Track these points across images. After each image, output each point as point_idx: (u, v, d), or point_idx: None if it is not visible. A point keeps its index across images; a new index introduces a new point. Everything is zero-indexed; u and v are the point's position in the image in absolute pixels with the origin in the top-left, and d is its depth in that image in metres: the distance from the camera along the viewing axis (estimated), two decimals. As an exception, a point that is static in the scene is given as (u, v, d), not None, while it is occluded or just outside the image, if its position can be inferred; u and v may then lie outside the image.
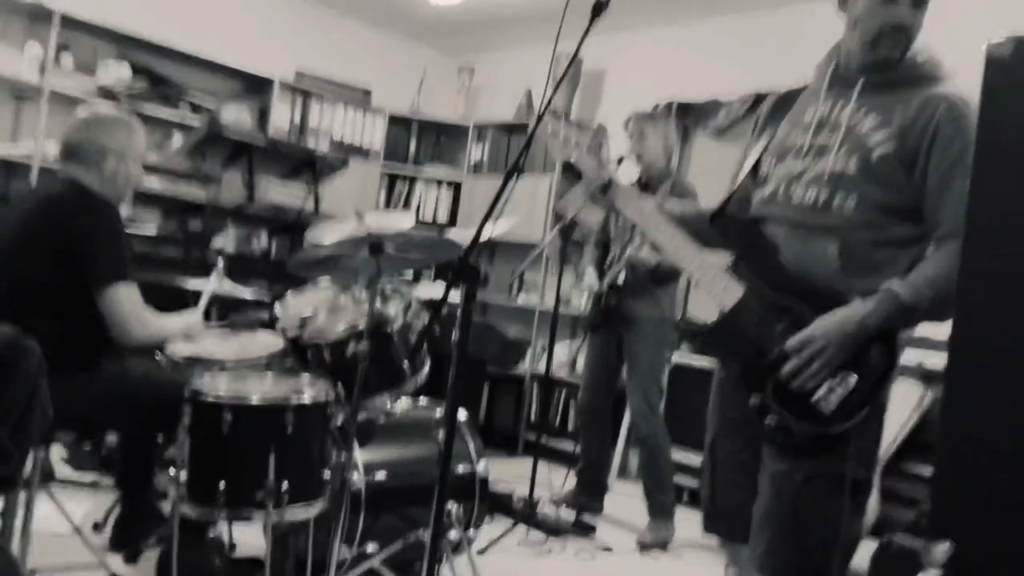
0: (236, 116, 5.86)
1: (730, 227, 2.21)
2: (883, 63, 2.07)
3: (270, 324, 3.42)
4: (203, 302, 3.30)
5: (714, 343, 2.20)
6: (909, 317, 1.95)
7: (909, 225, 2.02)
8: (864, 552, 3.04)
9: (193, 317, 3.13)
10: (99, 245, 2.76)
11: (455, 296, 1.98)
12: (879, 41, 2.05)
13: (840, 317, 1.97)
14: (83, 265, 2.75)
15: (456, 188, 6.91)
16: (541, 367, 5.81)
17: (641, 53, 6.24)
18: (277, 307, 3.32)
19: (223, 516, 2.50)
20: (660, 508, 4.21)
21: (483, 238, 1.97)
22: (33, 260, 2.75)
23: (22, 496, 2.65)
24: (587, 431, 4.55)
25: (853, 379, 1.96)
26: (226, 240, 5.59)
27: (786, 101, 2.28)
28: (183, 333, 3.05)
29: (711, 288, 2.13)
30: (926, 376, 3.85)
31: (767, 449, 2.08)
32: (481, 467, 3.20)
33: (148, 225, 5.38)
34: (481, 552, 3.65)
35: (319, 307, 3.20)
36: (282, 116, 6.25)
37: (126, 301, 2.79)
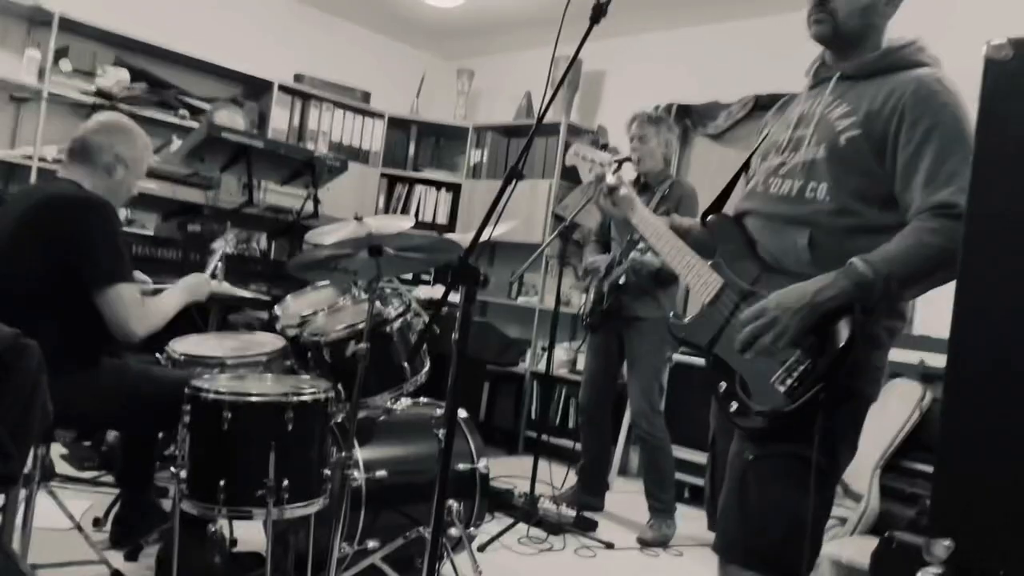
0: (228, 116, 5.86)
1: (713, 224, 2.21)
2: (849, 47, 2.07)
3: (270, 324, 3.42)
4: (211, 265, 3.35)
5: (693, 338, 2.16)
6: (868, 294, 1.84)
7: (884, 212, 1.95)
8: (865, 550, 3.05)
9: (191, 279, 3.15)
10: (97, 246, 2.77)
11: (455, 297, 1.99)
12: (809, 20, 2.06)
13: (793, 290, 1.91)
14: (82, 266, 2.75)
15: (455, 191, 6.92)
16: (541, 366, 5.82)
17: (641, 56, 6.25)
18: (276, 308, 3.33)
19: (223, 513, 2.49)
20: (661, 506, 4.22)
21: (483, 240, 1.98)
22: (31, 260, 2.75)
23: (22, 493, 2.65)
24: (587, 430, 4.56)
25: (803, 357, 1.90)
26: (225, 243, 5.59)
27: (785, 105, 2.31)
28: (187, 297, 3.06)
29: (695, 286, 2.14)
30: (926, 375, 3.85)
31: (735, 436, 2.07)
32: (481, 465, 3.21)
33: (147, 227, 5.39)
34: (482, 549, 3.66)
35: (319, 308, 3.21)
36: (281, 119, 6.26)
37: (126, 301, 2.79)
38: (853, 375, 1.91)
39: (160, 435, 3.17)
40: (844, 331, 1.87)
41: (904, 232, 1.87)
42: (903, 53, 2.04)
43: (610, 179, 2.42)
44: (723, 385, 2.04)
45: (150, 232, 5.29)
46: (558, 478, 4.52)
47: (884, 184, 1.95)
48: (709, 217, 2.23)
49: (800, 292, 1.90)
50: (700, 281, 2.13)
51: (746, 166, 2.32)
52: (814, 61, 2.19)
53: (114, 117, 3.10)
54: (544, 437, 4.76)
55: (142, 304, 2.86)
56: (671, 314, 2.23)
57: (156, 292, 3.09)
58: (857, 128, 1.97)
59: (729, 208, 2.26)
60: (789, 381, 1.90)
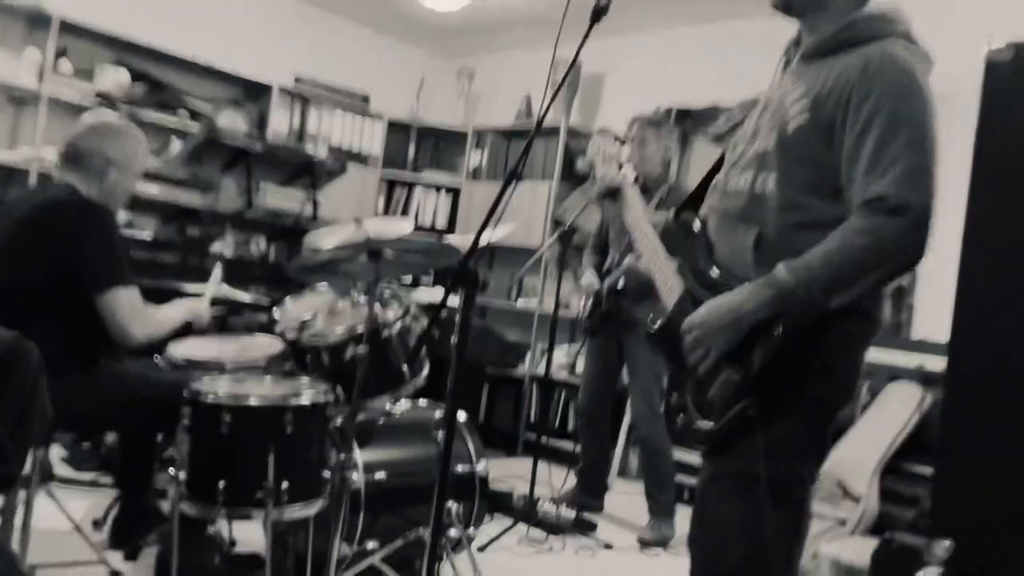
0: (234, 122, 5.87)
1: (668, 227, 2.09)
2: (813, 18, 1.90)
3: (269, 328, 3.42)
4: (216, 273, 3.36)
5: (657, 345, 2.04)
6: (790, 302, 1.70)
7: (836, 205, 1.76)
8: (864, 551, 3.05)
9: (196, 302, 3.14)
10: (96, 250, 2.77)
11: (455, 300, 1.99)
12: None
13: (716, 305, 1.79)
14: (81, 271, 2.75)
15: (455, 194, 6.92)
16: (540, 369, 5.82)
17: (640, 58, 6.25)
18: (276, 311, 3.33)
19: (223, 515, 2.49)
20: (660, 507, 4.22)
21: (482, 243, 1.98)
22: (30, 263, 2.75)
23: (22, 494, 2.65)
24: (586, 433, 4.56)
25: (733, 372, 1.79)
26: (224, 245, 5.59)
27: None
28: (186, 319, 3.06)
29: (663, 289, 2.02)
30: (926, 378, 3.86)
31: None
32: (481, 466, 3.21)
33: (146, 231, 5.38)
34: (481, 550, 3.65)
35: (318, 311, 3.21)
36: (281, 121, 6.26)
37: (125, 305, 2.79)
38: (796, 382, 1.77)
39: (159, 437, 3.16)
40: (766, 340, 1.75)
41: (834, 232, 1.71)
42: (863, 25, 1.82)
43: (617, 179, 2.40)
44: (673, 396, 1.95)
45: (149, 236, 5.29)
46: (557, 480, 4.52)
47: (835, 175, 1.77)
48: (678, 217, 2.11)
49: (722, 307, 1.78)
50: (666, 286, 2.00)
51: (723, 160, 2.15)
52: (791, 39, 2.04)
53: (102, 118, 3.08)
54: (543, 439, 4.75)
55: (143, 308, 2.86)
56: (649, 318, 2.08)
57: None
58: (806, 113, 1.80)
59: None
60: (718, 392, 1.81)
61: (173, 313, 3.03)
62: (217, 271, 3.46)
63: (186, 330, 3.29)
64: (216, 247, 5.51)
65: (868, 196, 1.67)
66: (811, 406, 1.81)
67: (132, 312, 2.80)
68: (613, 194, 2.38)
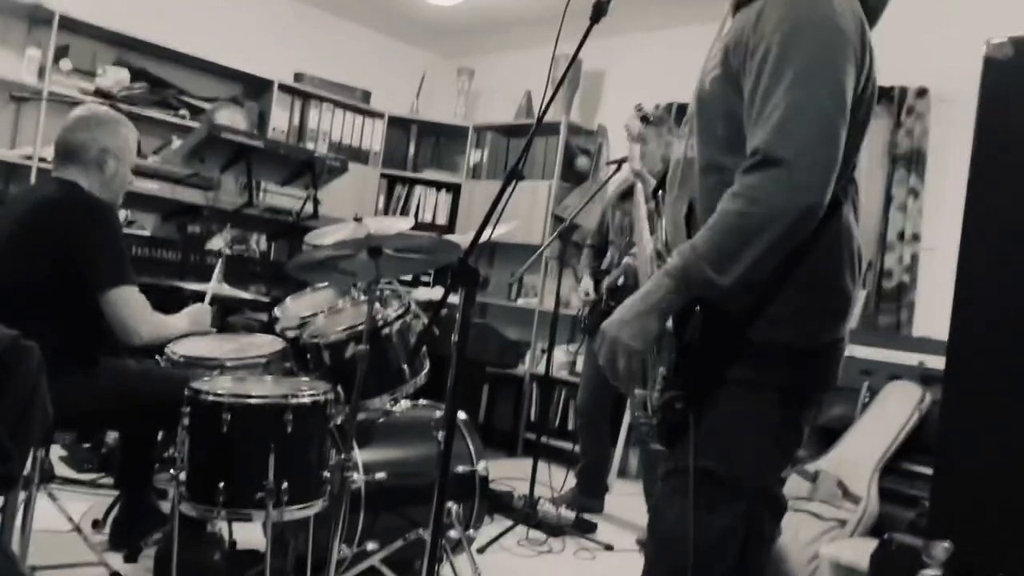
0: (228, 116, 5.85)
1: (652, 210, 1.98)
2: None
3: (269, 326, 3.42)
4: (217, 272, 3.36)
5: None
6: (693, 284, 1.55)
7: None
8: (864, 552, 3.05)
9: (197, 310, 3.13)
10: (99, 249, 2.76)
11: (455, 298, 1.98)
12: None
13: (624, 306, 1.64)
14: (83, 269, 2.74)
15: (455, 191, 6.92)
16: (540, 368, 5.82)
17: (641, 55, 6.25)
18: (276, 310, 3.32)
19: (223, 515, 2.49)
20: (660, 509, 4.21)
21: (482, 241, 1.98)
22: (30, 262, 2.75)
23: (22, 495, 2.65)
24: (586, 432, 4.56)
25: (654, 363, 1.69)
26: (224, 243, 5.58)
27: None
28: (189, 329, 3.06)
29: (643, 278, 1.89)
30: (925, 377, 3.85)
31: None
32: (481, 467, 3.21)
33: (146, 228, 5.38)
34: (481, 551, 3.66)
35: (318, 309, 3.21)
36: (281, 118, 6.26)
37: (129, 303, 2.79)
38: (718, 367, 1.64)
39: (159, 437, 3.17)
40: (688, 331, 1.63)
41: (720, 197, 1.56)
42: None
43: (631, 177, 2.35)
44: (636, 393, 1.78)
45: (147, 233, 5.28)
46: (557, 480, 4.52)
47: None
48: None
49: (628, 305, 1.63)
50: (646, 275, 1.89)
51: None
52: None
53: (89, 110, 3.05)
54: (543, 439, 4.75)
55: (146, 308, 2.85)
56: None
57: None
58: (719, 67, 1.68)
59: None
60: (655, 392, 1.71)
61: (179, 322, 3.02)
62: (218, 269, 3.46)
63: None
64: (216, 244, 5.51)
65: (747, 154, 1.53)
66: (743, 391, 1.64)
67: (137, 310, 2.80)
68: (627, 192, 2.36)
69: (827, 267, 1.64)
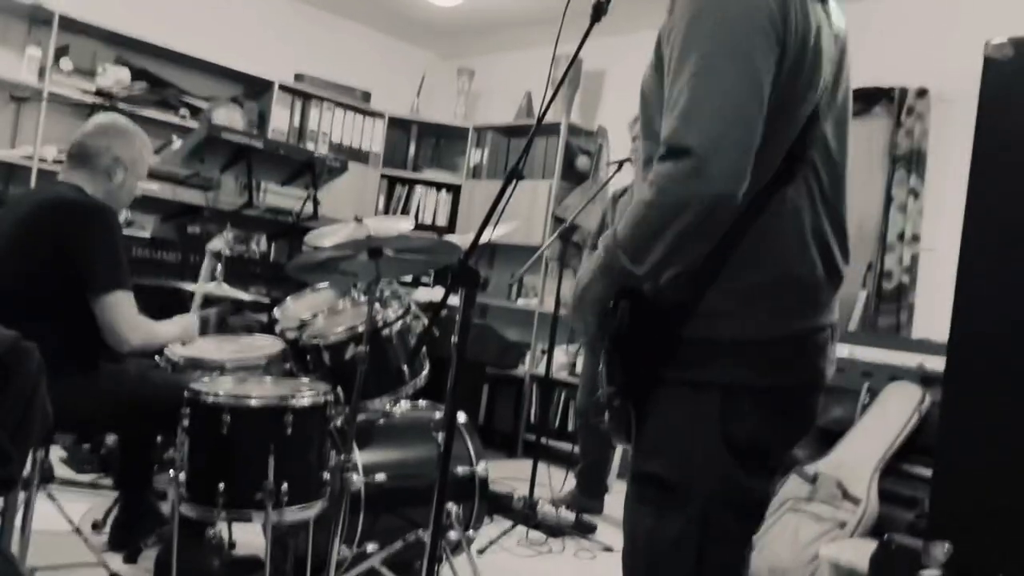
0: (226, 115, 5.86)
1: None
2: None
3: (269, 327, 3.42)
4: (196, 303, 3.28)
5: None
6: (615, 273, 1.55)
7: None
8: (864, 553, 3.05)
9: (187, 320, 3.12)
10: (97, 252, 2.76)
11: (455, 299, 1.98)
12: None
13: (575, 280, 1.63)
14: (80, 272, 2.74)
15: (455, 192, 6.91)
16: (540, 369, 5.82)
17: (641, 55, 6.18)
18: (276, 310, 3.32)
19: (222, 516, 2.49)
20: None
21: (483, 242, 1.98)
22: (31, 263, 2.75)
23: (22, 496, 2.65)
24: (585, 433, 4.56)
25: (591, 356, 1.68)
26: (224, 243, 5.58)
27: None
28: (179, 338, 3.05)
29: None
30: (925, 378, 3.85)
31: None
32: (480, 468, 3.21)
33: (146, 229, 5.38)
34: (481, 552, 3.66)
35: (318, 310, 3.21)
36: (281, 119, 6.26)
37: (122, 309, 2.78)
38: (649, 364, 1.59)
39: (159, 438, 3.16)
40: (614, 324, 1.58)
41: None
42: None
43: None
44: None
45: (147, 234, 5.28)
46: (557, 481, 4.52)
47: None
48: None
49: (575, 286, 1.63)
50: None
51: None
52: None
53: (111, 118, 3.07)
54: (543, 440, 4.75)
55: (138, 315, 2.85)
56: None
57: None
58: (653, 58, 1.64)
59: None
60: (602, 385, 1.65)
61: (166, 330, 3.00)
62: (207, 267, 3.43)
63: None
64: (216, 245, 5.51)
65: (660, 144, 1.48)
66: (684, 392, 1.57)
67: (127, 318, 2.79)
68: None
69: (772, 256, 1.56)
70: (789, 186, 1.57)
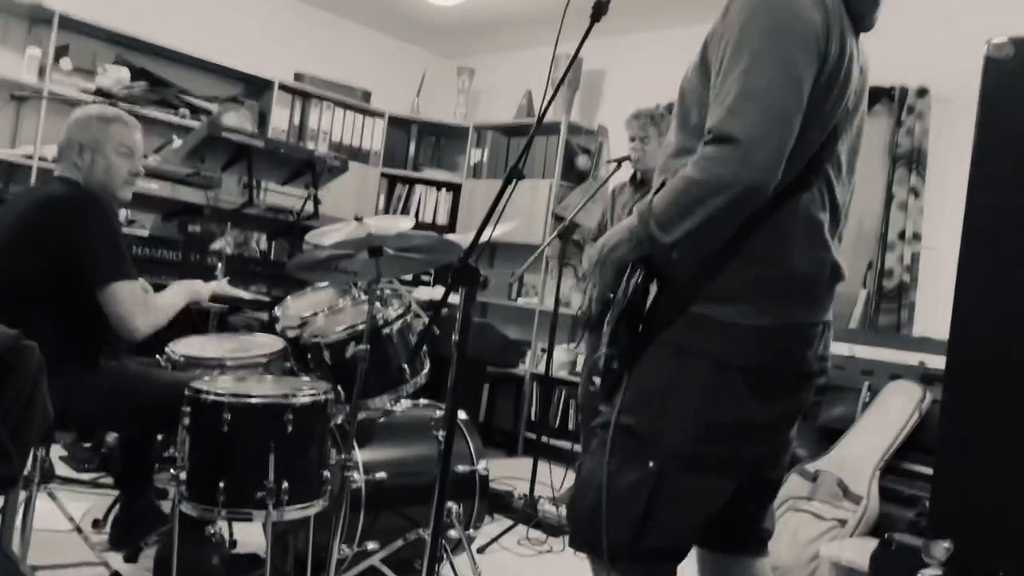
0: (235, 118, 5.86)
1: None
2: None
3: (269, 326, 3.42)
4: (219, 269, 3.32)
5: None
6: (642, 239, 1.68)
7: None
8: (864, 552, 3.05)
9: (185, 282, 3.15)
10: (97, 245, 2.76)
11: (455, 297, 1.98)
12: None
13: (597, 244, 1.78)
14: (82, 266, 2.74)
15: (456, 191, 6.92)
16: (541, 367, 5.82)
17: (641, 54, 6.24)
18: (277, 309, 3.32)
19: (223, 515, 2.49)
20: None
21: (483, 240, 1.98)
22: (30, 260, 2.75)
23: (22, 495, 2.65)
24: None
25: (597, 313, 1.79)
26: (225, 242, 5.59)
27: None
28: (185, 301, 3.06)
29: None
30: (926, 377, 3.85)
31: None
32: (481, 466, 3.21)
33: (146, 227, 5.38)
34: (481, 551, 3.66)
35: (318, 309, 3.21)
36: (282, 118, 6.26)
37: (128, 298, 2.79)
38: (648, 327, 1.73)
39: (159, 437, 3.17)
40: (629, 288, 1.72)
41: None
42: None
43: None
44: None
45: (146, 232, 5.28)
46: (558, 480, 4.52)
47: None
48: None
49: (599, 245, 1.77)
50: None
51: None
52: None
53: (79, 111, 3.04)
54: (544, 439, 4.75)
55: (144, 301, 2.86)
56: None
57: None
58: (698, 59, 1.76)
59: None
60: (604, 346, 1.78)
61: (173, 298, 3.02)
62: (220, 269, 3.46)
63: (187, 328, 3.29)
64: (216, 244, 5.51)
65: (705, 131, 1.64)
66: (674, 354, 1.72)
67: (134, 305, 2.79)
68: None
69: (779, 253, 1.70)
70: (805, 192, 1.71)
